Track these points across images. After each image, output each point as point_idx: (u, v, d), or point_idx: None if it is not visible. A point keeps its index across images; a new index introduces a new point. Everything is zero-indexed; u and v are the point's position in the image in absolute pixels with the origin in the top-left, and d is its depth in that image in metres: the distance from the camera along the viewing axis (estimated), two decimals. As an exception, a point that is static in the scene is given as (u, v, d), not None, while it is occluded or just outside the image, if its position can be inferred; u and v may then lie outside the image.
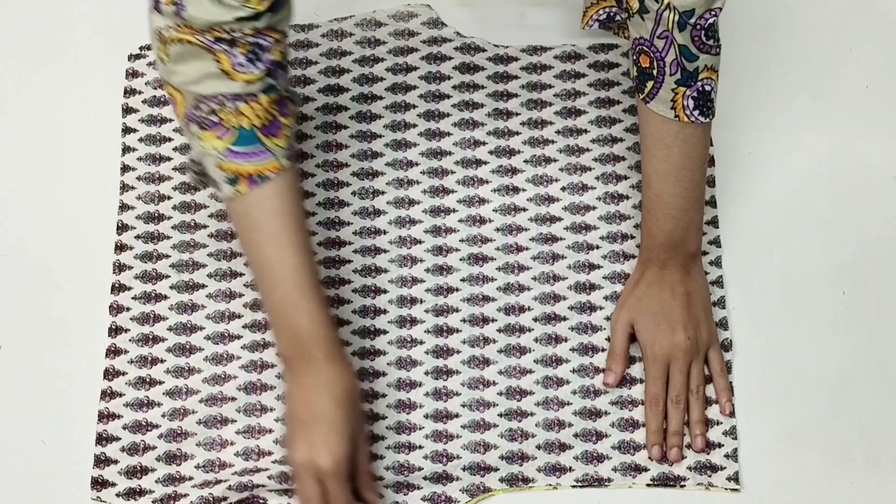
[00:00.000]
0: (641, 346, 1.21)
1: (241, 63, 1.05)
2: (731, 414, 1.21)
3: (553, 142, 1.31)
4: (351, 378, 1.13)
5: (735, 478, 1.18)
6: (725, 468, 1.19)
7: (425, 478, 1.18)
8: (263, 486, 1.17)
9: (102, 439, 1.20)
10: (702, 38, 1.09)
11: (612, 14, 1.30)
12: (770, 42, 1.36)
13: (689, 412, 1.20)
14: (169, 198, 1.29)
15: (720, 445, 1.20)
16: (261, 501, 1.18)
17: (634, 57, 1.13)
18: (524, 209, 1.28)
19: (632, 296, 1.22)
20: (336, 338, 1.14)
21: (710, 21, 1.09)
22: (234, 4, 1.02)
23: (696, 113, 1.13)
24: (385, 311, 1.24)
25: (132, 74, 1.34)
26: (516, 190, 1.29)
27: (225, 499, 1.17)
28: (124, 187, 1.30)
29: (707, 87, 1.12)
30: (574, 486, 1.18)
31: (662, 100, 1.12)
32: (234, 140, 1.07)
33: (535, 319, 1.24)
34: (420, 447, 1.19)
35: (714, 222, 1.28)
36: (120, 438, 1.20)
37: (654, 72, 1.12)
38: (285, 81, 1.10)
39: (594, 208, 1.28)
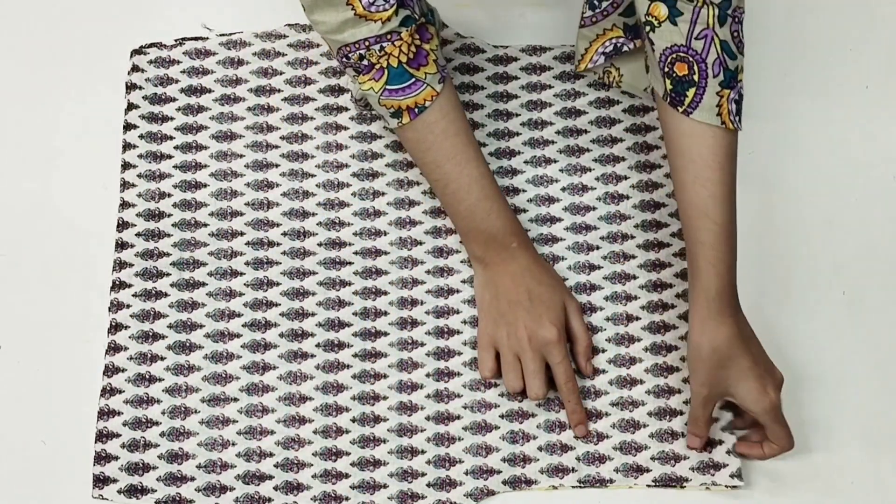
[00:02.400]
0: (749, 409, 1.14)
1: (371, 2, 1.08)
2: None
3: (553, 142, 1.31)
4: (543, 260, 1.23)
5: (738, 474, 1.18)
6: (728, 465, 1.19)
7: (429, 484, 1.18)
8: (271, 500, 1.18)
9: (103, 436, 1.20)
10: (739, 34, 1.08)
11: (618, 46, 1.25)
12: (770, 42, 1.36)
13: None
14: (169, 195, 1.29)
15: (721, 442, 1.20)
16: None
17: (667, 69, 1.09)
18: (524, 210, 1.28)
19: (716, 367, 1.13)
20: (523, 230, 1.22)
21: (741, 19, 1.08)
22: None
23: (737, 119, 1.09)
24: (386, 313, 1.24)
25: (134, 70, 1.34)
26: (516, 191, 1.29)
27: None
28: (125, 184, 1.29)
29: (742, 92, 1.10)
30: (575, 487, 1.19)
31: (707, 107, 1.08)
32: (387, 80, 1.12)
33: (536, 321, 1.24)
34: (423, 451, 1.20)
35: (714, 222, 1.28)
36: (120, 435, 1.20)
37: (696, 77, 1.08)
38: (418, 4, 1.13)
39: (594, 209, 1.28)
